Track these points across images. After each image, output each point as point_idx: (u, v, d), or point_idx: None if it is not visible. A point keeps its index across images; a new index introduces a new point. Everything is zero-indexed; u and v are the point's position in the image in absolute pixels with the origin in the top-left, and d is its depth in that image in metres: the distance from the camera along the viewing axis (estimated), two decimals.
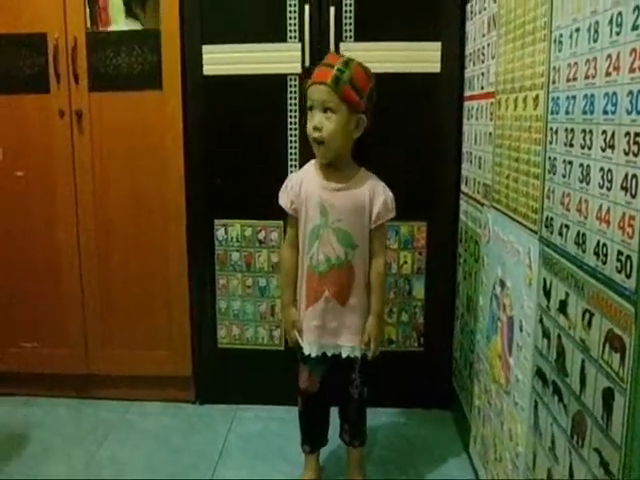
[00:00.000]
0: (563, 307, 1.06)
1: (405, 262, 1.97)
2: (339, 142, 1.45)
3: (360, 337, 1.53)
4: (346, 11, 1.85)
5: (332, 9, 1.82)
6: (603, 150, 0.91)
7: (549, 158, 1.14)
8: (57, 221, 2.03)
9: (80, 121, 1.97)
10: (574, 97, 1.02)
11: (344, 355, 1.53)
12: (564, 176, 1.06)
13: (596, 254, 0.93)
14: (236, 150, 1.96)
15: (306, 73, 1.83)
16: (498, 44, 1.48)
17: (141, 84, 1.95)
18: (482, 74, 1.64)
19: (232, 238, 2.01)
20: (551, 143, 1.13)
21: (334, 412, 1.66)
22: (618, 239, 0.86)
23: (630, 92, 0.83)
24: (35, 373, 2.13)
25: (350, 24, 1.85)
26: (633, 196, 0.82)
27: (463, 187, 1.88)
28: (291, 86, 1.90)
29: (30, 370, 2.13)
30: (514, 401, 1.32)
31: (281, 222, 1.94)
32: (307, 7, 1.83)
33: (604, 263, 0.90)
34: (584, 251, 0.98)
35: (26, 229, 2.05)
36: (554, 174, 1.11)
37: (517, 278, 1.31)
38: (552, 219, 1.12)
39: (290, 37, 1.87)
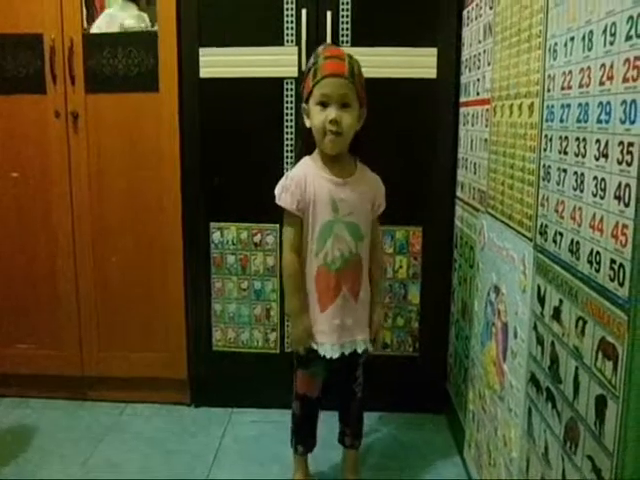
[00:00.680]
0: (557, 314, 1.06)
1: (400, 267, 1.98)
2: (351, 135, 1.45)
3: (368, 328, 1.55)
4: (343, 16, 1.85)
5: (329, 13, 1.83)
6: (597, 159, 0.92)
7: (544, 165, 1.14)
8: (53, 222, 2.03)
9: (76, 122, 1.97)
10: (568, 105, 1.03)
11: (360, 350, 1.52)
12: (558, 184, 1.07)
13: (589, 262, 0.94)
14: (232, 153, 1.96)
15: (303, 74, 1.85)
16: (494, 51, 1.49)
17: (138, 86, 1.95)
18: (478, 80, 1.65)
19: (228, 241, 2.02)
20: (545, 150, 1.13)
21: (326, 415, 1.66)
22: (611, 247, 0.87)
23: (624, 101, 0.84)
24: (30, 375, 2.13)
25: (347, 29, 1.86)
26: (626, 205, 0.83)
27: (459, 192, 1.88)
28: (288, 89, 1.90)
29: (25, 372, 2.12)
30: (508, 407, 1.33)
31: (277, 225, 1.94)
32: (304, 11, 1.83)
33: (597, 271, 0.91)
34: (578, 259, 0.98)
35: (21, 230, 2.05)
36: (548, 181, 1.12)
37: (512, 284, 1.32)
38: (546, 226, 1.12)
39: (287, 41, 1.88)
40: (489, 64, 1.53)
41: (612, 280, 0.86)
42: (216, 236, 2.02)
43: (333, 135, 1.41)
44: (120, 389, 2.13)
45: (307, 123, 1.48)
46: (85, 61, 1.94)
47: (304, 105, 1.48)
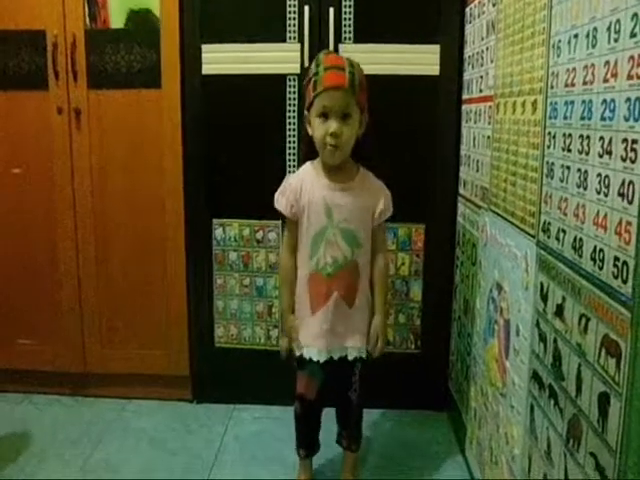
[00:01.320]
0: (560, 311, 1.06)
1: (403, 264, 1.98)
2: (352, 145, 1.45)
3: (364, 337, 1.53)
4: (345, 12, 1.85)
5: (332, 10, 1.82)
6: (600, 156, 0.92)
7: (547, 163, 1.14)
8: (55, 219, 2.03)
9: (78, 118, 1.97)
10: (572, 102, 1.03)
11: (351, 357, 1.52)
12: (562, 181, 1.07)
13: (593, 259, 0.94)
14: (234, 150, 1.96)
15: (306, 73, 1.84)
16: (497, 48, 1.48)
17: (140, 82, 1.94)
18: (481, 77, 1.65)
19: (230, 238, 2.02)
20: (549, 148, 1.13)
21: (326, 415, 1.66)
22: (615, 245, 0.87)
23: (628, 99, 0.84)
24: (32, 371, 2.13)
25: (349, 25, 1.85)
26: (630, 202, 0.82)
27: (461, 190, 1.88)
28: (290, 86, 1.90)
29: (27, 368, 2.13)
30: (510, 404, 1.33)
31: (279, 222, 1.95)
32: (307, 8, 1.83)
33: (601, 268, 0.91)
34: (581, 256, 0.98)
35: (24, 227, 2.05)
36: (552, 179, 1.12)
37: (514, 282, 1.32)
38: (549, 223, 1.12)
39: (289, 37, 1.87)
40: (492, 61, 1.53)
41: (615, 277, 0.86)
42: (218, 233, 2.02)
43: (333, 147, 1.42)
44: (122, 385, 2.13)
45: (309, 131, 1.48)
46: (87, 57, 1.94)
47: (306, 113, 1.48)
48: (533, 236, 1.21)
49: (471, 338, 1.71)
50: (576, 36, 1.02)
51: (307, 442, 1.66)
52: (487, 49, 1.58)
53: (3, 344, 2.12)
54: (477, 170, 1.67)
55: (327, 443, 1.69)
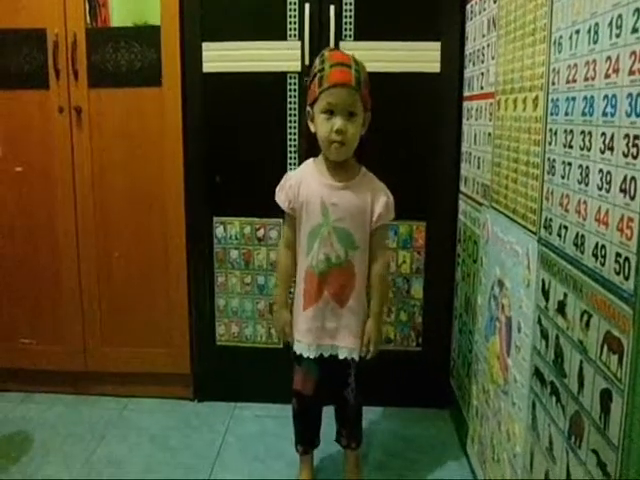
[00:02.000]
0: (561, 308, 1.06)
1: (404, 262, 1.97)
2: (356, 143, 1.45)
3: (358, 339, 1.53)
4: (346, 10, 1.84)
5: (332, 7, 1.82)
6: (602, 152, 0.91)
7: (548, 159, 1.14)
8: (56, 217, 2.03)
9: (79, 117, 1.97)
10: (574, 99, 1.02)
11: (341, 357, 1.52)
12: (563, 177, 1.06)
13: (595, 255, 0.93)
14: (235, 147, 1.96)
15: (307, 71, 1.84)
16: (498, 45, 1.48)
17: (140, 81, 1.94)
18: (482, 74, 1.64)
19: (231, 236, 2.02)
20: (550, 144, 1.13)
21: (327, 413, 1.67)
22: (617, 241, 0.86)
23: (629, 94, 0.83)
24: (33, 370, 2.13)
25: (350, 23, 1.85)
26: (632, 198, 0.82)
27: (462, 187, 1.88)
28: (291, 84, 1.90)
29: (28, 367, 2.13)
30: (512, 401, 1.33)
31: (280, 220, 1.94)
32: (307, 5, 1.83)
33: (602, 265, 0.91)
34: (583, 252, 0.98)
35: (25, 225, 2.05)
36: (553, 175, 1.11)
37: (516, 279, 1.31)
38: (551, 220, 1.12)
39: (290, 35, 1.87)
40: (493, 58, 1.53)
41: (617, 274, 0.86)
42: (219, 231, 2.02)
43: (338, 144, 1.41)
44: (123, 384, 2.14)
45: (312, 127, 1.48)
46: (88, 56, 1.94)
47: (309, 109, 1.47)
48: (534, 233, 1.21)
49: (472, 335, 1.70)
50: (577, 32, 1.01)
51: (305, 438, 1.66)
52: (488, 46, 1.58)
53: (4, 343, 2.12)
54: (478, 167, 1.67)
55: (329, 441, 1.69)
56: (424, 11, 1.84)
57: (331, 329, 1.51)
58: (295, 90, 1.90)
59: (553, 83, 1.12)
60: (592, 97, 0.95)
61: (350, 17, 1.85)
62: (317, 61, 1.46)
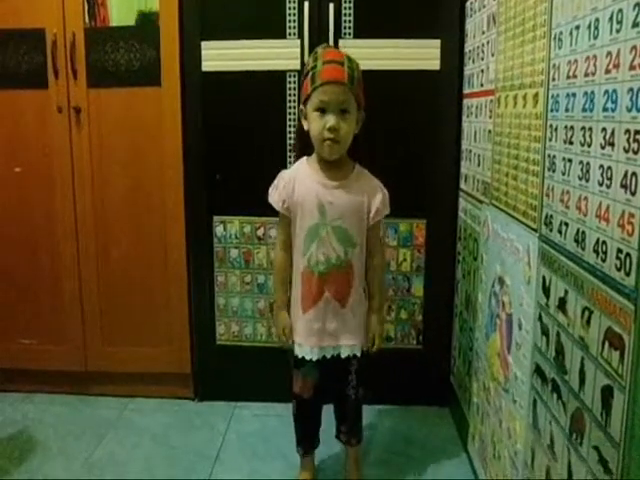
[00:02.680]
0: (562, 305, 1.06)
1: (404, 260, 1.97)
2: (350, 141, 1.44)
3: (359, 335, 1.53)
4: (345, 8, 1.84)
5: (331, 6, 1.82)
6: (603, 147, 0.91)
7: (549, 156, 1.14)
8: (55, 217, 2.03)
9: (78, 117, 1.96)
10: (574, 94, 1.02)
11: (343, 355, 1.52)
12: (564, 174, 1.06)
13: (595, 252, 0.93)
14: (235, 146, 1.96)
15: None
16: (498, 41, 1.48)
17: (140, 80, 1.94)
18: (482, 71, 1.64)
19: (231, 235, 2.01)
20: (551, 140, 1.12)
21: (327, 411, 1.66)
22: (617, 237, 0.86)
23: (630, 89, 0.83)
24: (34, 370, 2.13)
25: (349, 21, 1.85)
26: (633, 194, 0.82)
27: (462, 185, 1.88)
28: (290, 82, 1.90)
29: (29, 367, 2.13)
30: (513, 399, 1.32)
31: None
32: (306, 4, 1.82)
33: (603, 261, 0.90)
34: (583, 249, 0.97)
35: (25, 225, 2.05)
36: (553, 172, 1.11)
37: (516, 276, 1.31)
38: (551, 217, 1.12)
39: (289, 34, 1.87)
40: (493, 55, 1.52)
41: (618, 270, 0.86)
42: (219, 230, 2.01)
43: (331, 142, 1.40)
44: (124, 384, 2.13)
45: (305, 125, 1.47)
46: (87, 55, 1.93)
47: (302, 107, 1.47)
48: (535, 230, 1.20)
49: (473, 333, 1.70)
50: (577, 27, 1.01)
51: (306, 440, 1.65)
52: (488, 43, 1.57)
53: (5, 343, 2.12)
54: (478, 164, 1.67)
55: (329, 439, 1.69)
56: (424, 8, 1.84)
57: (332, 330, 1.50)
58: (294, 88, 1.89)
59: (553, 79, 1.11)
60: (592, 93, 0.95)
61: (349, 15, 1.85)
62: (310, 59, 1.45)
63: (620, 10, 0.86)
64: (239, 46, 1.89)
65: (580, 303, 0.98)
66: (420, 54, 1.85)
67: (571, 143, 1.03)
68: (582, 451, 0.96)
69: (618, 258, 0.86)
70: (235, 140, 1.95)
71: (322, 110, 1.39)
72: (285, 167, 1.90)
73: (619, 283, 0.85)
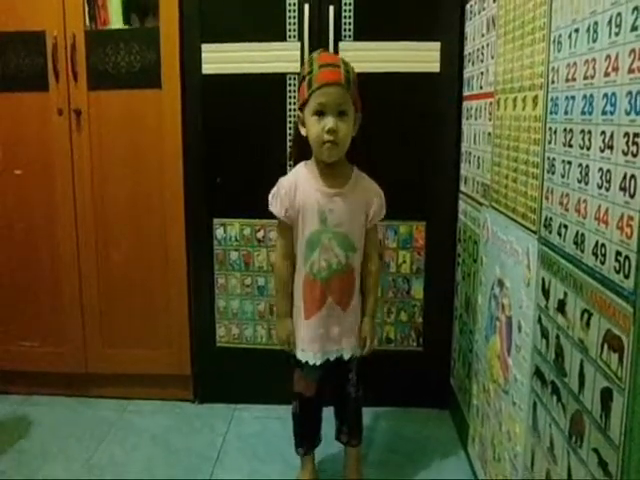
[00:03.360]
0: (562, 307, 1.06)
1: (404, 262, 1.97)
2: (348, 143, 1.44)
3: (358, 337, 1.54)
4: (345, 10, 1.84)
5: (331, 8, 1.82)
6: (602, 150, 0.91)
7: (548, 158, 1.14)
8: (56, 220, 2.03)
9: (79, 119, 1.97)
10: (573, 97, 1.02)
11: (346, 357, 1.52)
12: (563, 176, 1.06)
13: (595, 254, 0.93)
14: (235, 149, 1.96)
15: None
16: (497, 44, 1.48)
17: (140, 82, 1.94)
18: (481, 74, 1.64)
19: (231, 237, 2.01)
20: (550, 143, 1.13)
21: (327, 412, 1.66)
22: (617, 239, 0.86)
23: (629, 92, 0.83)
24: (34, 372, 2.13)
25: (349, 23, 1.85)
26: (632, 196, 0.82)
27: (462, 187, 1.88)
28: (290, 85, 1.90)
29: (29, 369, 2.13)
30: (513, 401, 1.32)
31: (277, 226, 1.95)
32: (307, 6, 1.83)
33: (602, 263, 0.91)
34: (583, 251, 0.98)
35: (25, 227, 2.05)
36: (553, 174, 1.11)
37: (516, 278, 1.31)
38: (551, 219, 1.12)
39: (289, 36, 1.87)
40: (492, 57, 1.52)
41: (617, 272, 0.86)
42: (219, 232, 2.01)
43: (330, 144, 1.40)
44: (123, 386, 2.13)
45: (302, 131, 1.47)
46: (87, 58, 1.94)
47: (299, 113, 1.47)
48: (534, 232, 1.21)
49: (473, 335, 1.70)
50: (577, 30, 1.01)
51: (306, 440, 1.65)
52: (487, 45, 1.58)
53: (5, 345, 2.12)
54: (478, 167, 1.67)
55: (330, 440, 1.69)
56: (423, 11, 1.84)
57: (335, 334, 1.51)
58: (294, 91, 1.90)
59: (552, 82, 1.12)
60: (592, 96, 0.95)
61: (349, 17, 1.85)
62: (305, 64, 1.45)
63: (619, 14, 0.86)
64: (239, 48, 1.89)
65: (579, 305, 0.98)
66: (420, 56, 1.86)
67: (570, 146, 1.03)
68: (582, 453, 0.96)
69: (617, 260, 0.86)
70: (235, 142, 1.96)
71: (320, 113, 1.39)
72: (285, 169, 1.91)
73: (618, 285, 0.86)
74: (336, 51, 1.82)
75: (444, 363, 2.03)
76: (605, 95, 0.90)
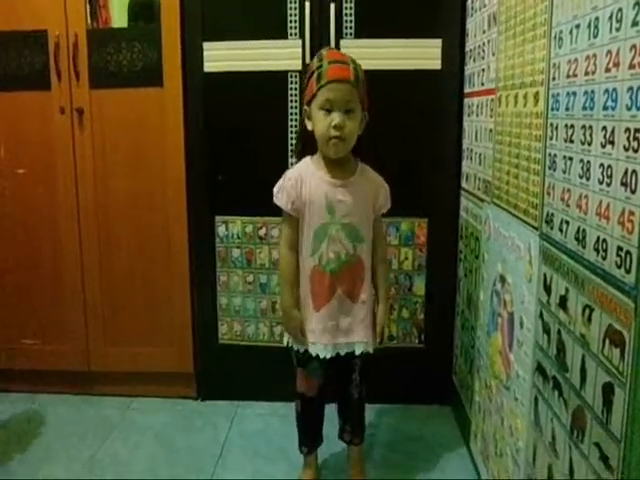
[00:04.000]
0: (563, 302, 1.06)
1: (406, 258, 1.98)
2: (354, 140, 1.45)
3: (370, 330, 1.54)
4: (346, 8, 1.85)
5: (332, 6, 1.82)
6: (603, 146, 0.91)
7: (549, 154, 1.14)
8: (58, 218, 2.04)
9: (81, 118, 1.97)
10: (574, 93, 1.02)
11: (358, 352, 1.52)
12: (564, 172, 1.07)
13: (596, 250, 0.94)
14: (237, 146, 1.96)
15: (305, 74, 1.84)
16: (498, 41, 1.48)
17: (142, 81, 1.95)
18: (482, 71, 1.64)
19: (233, 234, 2.02)
20: (551, 139, 1.13)
21: (329, 411, 1.67)
22: (618, 234, 0.86)
23: (630, 88, 0.83)
24: (37, 370, 2.14)
25: (350, 21, 1.85)
26: (633, 192, 0.82)
27: (464, 183, 1.88)
28: (292, 82, 1.90)
29: (32, 367, 2.13)
30: (514, 397, 1.33)
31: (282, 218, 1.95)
32: (308, 4, 1.83)
33: (604, 258, 0.91)
34: (584, 247, 0.98)
35: (28, 226, 2.06)
36: (554, 170, 1.11)
37: (517, 274, 1.32)
38: (552, 215, 1.12)
39: (291, 34, 1.87)
40: (494, 54, 1.53)
41: (619, 267, 0.86)
42: (221, 230, 2.02)
43: (337, 140, 1.40)
44: (126, 384, 2.14)
45: (309, 126, 1.47)
46: (89, 57, 1.94)
47: (306, 107, 1.47)
48: (536, 228, 1.21)
49: (475, 331, 1.71)
50: (578, 26, 1.01)
51: (310, 438, 1.66)
52: (488, 42, 1.58)
53: (8, 344, 2.12)
54: (479, 163, 1.67)
55: (332, 438, 1.69)
56: (424, 8, 1.84)
57: (346, 326, 1.51)
58: (296, 89, 1.90)
59: (554, 78, 1.12)
60: (592, 91, 0.95)
61: (350, 15, 1.85)
62: (315, 60, 1.45)
63: (620, 9, 0.86)
64: (241, 47, 1.89)
65: (581, 301, 0.99)
66: (421, 53, 1.86)
67: (571, 142, 1.03)
68: (583, 448, 0.97)
69: (618, 256, 0.86)
70: (237, 140, 1.96)
71: (328, 109, 1.40)
72: (287, 166, 1.90)
73: (619, 280, 0.86)
74: (337, 49, 1.82)
75: (446, 359, 2.03)
76: (606, 91, 0.91)
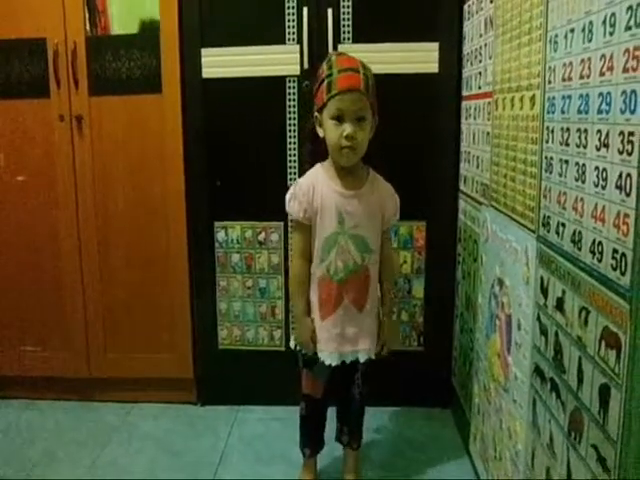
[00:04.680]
0: (560, 305, 1.06)
1: (405, 262, 1.98)
2: (365, 147, 1.44)
3: (374, 338, 1.54)
4: (344, 13, 1.86)
5: (330, 11, 1.83)
6: (598, 149, 0.92)
7: (545, 157, 1.15)
8: (58, 225, 2.04)
9: (80, 125, 1.98)
10: (569, 97, 1.03)
11: (362, 360, 1.53)
12: (560, 175, 1.07)
13: (592, 252, 0.94)
14: (235, 152, 1.97)
15: (306, 75, 1.85)
16: (495, 44, 1.49)
17: (141, 88, 1.96)
18: (479, 74, 1.65)
19: (232, 240, 2.02)
20: (547, 142, 1.14)
21: (329, 413, 1.67)
22: (613, 237, 0.87)
23: (624, 92, 0.84)
24: (37, 377, 2.14)
25: (348, 26, 1.86)
26: (627, 194, 0.83)
27: (462, 186, 1.89)
28: (290, 88, 1.91)
29: (32, 374, 2.14)
30: (513, 399, 1.33)
31: (281, 223, 1.96)
32: (305, 9, 1.84)
33: (600, 261, 0.91)
34: (580, 249, 0.98)
35: (27, 234, 2.06)
36: (550, 173, 1.12)
37: (515, 277, 1.32)
38: (549, 218, 1.13)
39: (288, 39, 1.88)
40: (490, 57, 1.53)
41: (614, 269, 0.87)
42: (220, 235, 2.02)
43: (348, 149, 1.40)
44: (127, 389, 2.14)
45: (320, 133, 1.47)
46: (88, 64, 1.95)
47: (317, 114, 1.46)
48: (533, 231, 1.21)
49: (473, 334, 1.71)
50: (572, 30, 1.02)
51: (312, 441, 1.66)
52: (485, 45, 1.59)
53: (8, 351, 2.13)
54: (477, 166, 1.68)
55: (329, 441, 1.69)
56: (422, 12, 1.85)
57: (351, 335, 1.51)
58: (294, 94, 1.91)
59: (549, 82, 1.13)
60: (587, 95, 0.96)
61: (348, 20, 1.86)
62: (324, 66, 1.44)
63: (613, 14, 0.87)
64: (239, 52, 1.90)
65: (577, 303, 0.99)
66: (419, 57, 1.87)
67: (567, 145, 1.04)
68: (581, 450, 0.97)
69: (614, 258, 0.87)
70: (236, 145, 1.97)
71: (339, 118, 1.39)
72: (286, 171, 1.92)
73: (615, 283, 0.86)
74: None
75: (445, 362, 2.04)
76: (600, 94, 0.91)
